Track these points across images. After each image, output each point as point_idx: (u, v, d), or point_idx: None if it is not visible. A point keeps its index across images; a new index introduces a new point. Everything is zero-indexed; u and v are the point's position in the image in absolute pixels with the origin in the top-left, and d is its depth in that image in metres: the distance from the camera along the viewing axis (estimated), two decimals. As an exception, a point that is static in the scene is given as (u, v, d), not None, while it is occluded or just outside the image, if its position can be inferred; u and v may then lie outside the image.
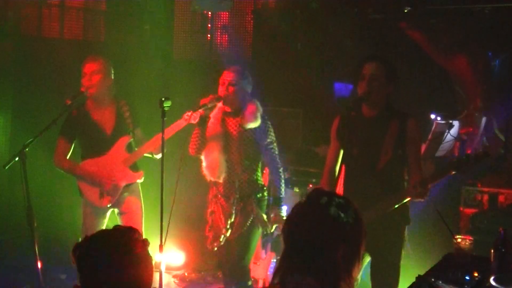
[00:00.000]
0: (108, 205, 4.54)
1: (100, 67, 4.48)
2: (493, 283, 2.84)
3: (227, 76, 4.20)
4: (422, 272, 3.01)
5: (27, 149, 4.05)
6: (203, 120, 4.19)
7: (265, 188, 4.36)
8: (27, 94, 6.01)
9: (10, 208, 5.52)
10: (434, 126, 5.74)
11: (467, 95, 6.73)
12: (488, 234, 4.83)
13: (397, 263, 3.76)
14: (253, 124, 4.20)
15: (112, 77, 4.58)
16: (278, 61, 6.87)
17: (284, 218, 4.22)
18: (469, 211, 5.46)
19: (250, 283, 4.40)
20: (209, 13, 6.98)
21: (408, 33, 6.62)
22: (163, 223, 3.89)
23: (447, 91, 6.75)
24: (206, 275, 6.00)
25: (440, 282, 2.89)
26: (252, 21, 7.08)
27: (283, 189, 4.35)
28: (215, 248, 4.34)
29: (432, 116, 6.27)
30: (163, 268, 3.90)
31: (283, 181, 4.36)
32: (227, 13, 7.10)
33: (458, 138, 6.01)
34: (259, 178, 4.34)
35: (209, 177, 4.27)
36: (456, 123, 5.92)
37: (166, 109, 3.95)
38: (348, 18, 6.59)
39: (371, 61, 3.72)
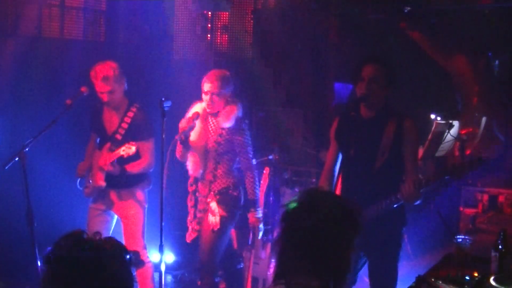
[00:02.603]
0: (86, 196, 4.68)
1: (113, 77, 4.47)
2: (493, 283, 2.84)
3: (209, 86, 4.33)
4: (422, 272, 3.02)
5: (26, 149, 4.05)
6: (187, 131, 4.35)
7: (239, 186, 4.50)
8: (27, 94, 6.00)
9: (10, 208, 5.52)
10: (434, 126, 5.74)
11: (466, 95, 6.74)
12: (488, 234, 4.83)
13: (395, 264, 3.76)
14: (227, 124, 4.35)
15: (125, 80, 4.58)
16: (278, 61, 6.87)
17: (260, 219, 4.51)
18: (469, 211, 5.46)
19: (217, 280, 4.57)
20: (209, 13, 6.98)
21: (408, 33, 6.62)
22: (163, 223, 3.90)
23: (447, 91, 6.75)
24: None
25: (440, 282, 2.89)
26: (252, 21, 7.08)
27: (257, 191, 4.50)
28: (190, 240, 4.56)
29: (432, 116, 6.27)
30: (163, 268, 3.90)
31: (257, 183, 4.51)
32: (227, 13, 7.10)
33: (458, 138, 6.01)
34: (234, 175, 4.48)
35: (190, 172, 4.48)
36: (456, 123, 5.91)
37: (166, 109, 3.95)
38: (348, 18, 6.60)
39: (371, 63, 3.72)
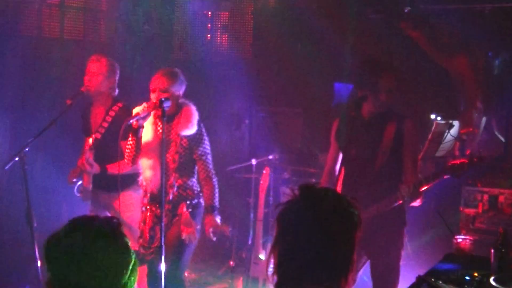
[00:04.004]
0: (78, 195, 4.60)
1: (102, 69, 4.47)
2: (493, 283, 2.84)
3: (157, 82, 4.01)
4: (422, 272, 3.02)
5: (26, 149, 4.05)
6: (136, 130, 3.97)
7: (200, 194, 4.18)
8: (27, 94, 6.01)
9: (10, 208, 5.52)
10: (434, 126, 5.73)
11: (467, 95, 6.73)
12: (488, 234, 4.83)
13: (397, 264, 3.76)
14: (188, 131, 4.04)
15: (116, 79, 4.57)
16: (278, 61, 6.87)
17: (219, 223, 4.07)
18: (469, 211, 5.46)
19: None
20: (209, 13, 6.98)
21: (408, 33, 6.62)
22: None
23: (447, 91, 6.75)
24: (206, 275, 6.01)
25: (440, 282, 2.89)
26: (252, 21, 7.08)
27: (216, 199, 4.14)
28: (148, 259, 4.14)
29: (432, 116, 6.27)
30: (163, 268, 3.90)
31: (216, 190, 4.15)
32: (227, 13, 7.10)
33: (458, 138, 6.00)
34: (194, 184, 4.17)
35: (145, 185, 4.15)
36: (456, 123, 5.91)
37: (166, 109, 3.92)
38: (348, 18, 6.59)
39: (391, 72, 3.73)
